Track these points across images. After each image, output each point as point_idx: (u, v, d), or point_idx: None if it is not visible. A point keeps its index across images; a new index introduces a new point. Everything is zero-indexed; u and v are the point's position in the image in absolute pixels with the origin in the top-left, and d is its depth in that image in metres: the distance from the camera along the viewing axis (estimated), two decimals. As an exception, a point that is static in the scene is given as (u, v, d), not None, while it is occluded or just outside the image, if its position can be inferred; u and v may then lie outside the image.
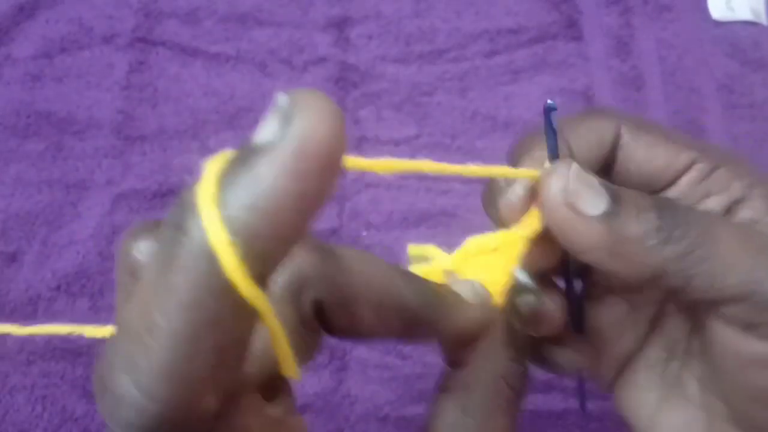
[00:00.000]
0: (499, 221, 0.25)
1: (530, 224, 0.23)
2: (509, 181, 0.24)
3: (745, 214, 0.23)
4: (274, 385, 0.18)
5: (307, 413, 0.42)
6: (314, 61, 0.51)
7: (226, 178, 0.12)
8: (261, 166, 0.12)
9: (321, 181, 0.12)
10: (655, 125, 0.25)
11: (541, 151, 0.23)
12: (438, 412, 0.21)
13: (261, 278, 0.12)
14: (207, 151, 0.51)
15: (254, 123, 0.49)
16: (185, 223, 0.12)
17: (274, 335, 0.15)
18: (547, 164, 0.23)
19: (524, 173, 0.23)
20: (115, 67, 0.50)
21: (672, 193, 0.24)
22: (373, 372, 0.43)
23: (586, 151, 0.24)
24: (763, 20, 0.53)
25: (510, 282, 0.23)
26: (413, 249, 0.25)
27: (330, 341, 0.44)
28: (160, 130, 0.49)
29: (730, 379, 0.23)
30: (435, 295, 0.20)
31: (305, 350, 0.18)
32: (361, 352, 0.43)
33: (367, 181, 0.48)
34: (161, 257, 0.13)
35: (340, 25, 0.52)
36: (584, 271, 0.26)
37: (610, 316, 0.27)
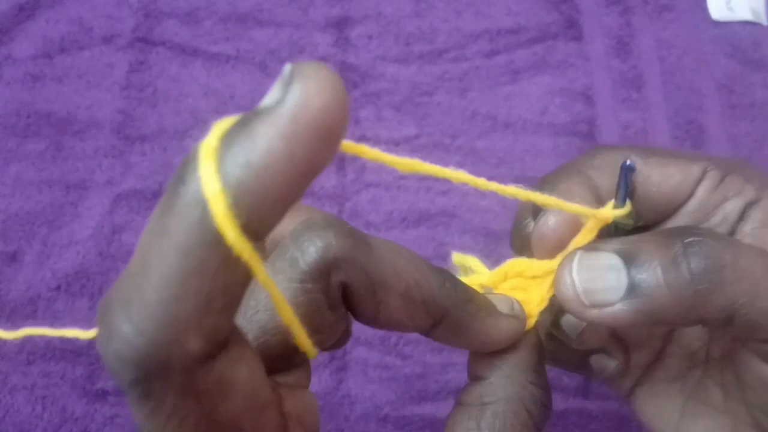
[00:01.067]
0: (524, 250, 0.25)
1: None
2: (535, 213, 0.25)
3: (757, 215, 0.24)
4: (290, 358, 0.18)
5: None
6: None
7: (227, 137, 0.13)
8: (258, 127, 0.13)
9: (315, 146, 0.13)
10: (660, 148, 0.26)
11: (566, 183, 0.24)
12: (452, 425, 0.21)
13: (252, 233, 0.13)
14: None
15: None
16: (186, 175, 0.13)
17: (273, 298, 0.16)
18: (609, 205, 0.23)
19: (579, 209, 0.23)
20: (115, 67, 0.50)
21: (692, 203, 0.25)
22: (373, 372, 0.43)
23: (605, 180, 0.24)
24: (762, 20, 0.53)
25: (548, 304, 0.23)
26: (457, 257, 0.25)
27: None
28: (160, 130, 0.49)
29: (754, 396, 0.23)
30: (467, 296, 0.20)
31: (329, 331, 0.19)
32: (360, 352, 0.43)
33: (367, 181, 0.48)
34: (162, 204, 0.13)
35: (340, 25, 0.52)
36: None
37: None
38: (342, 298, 0.19)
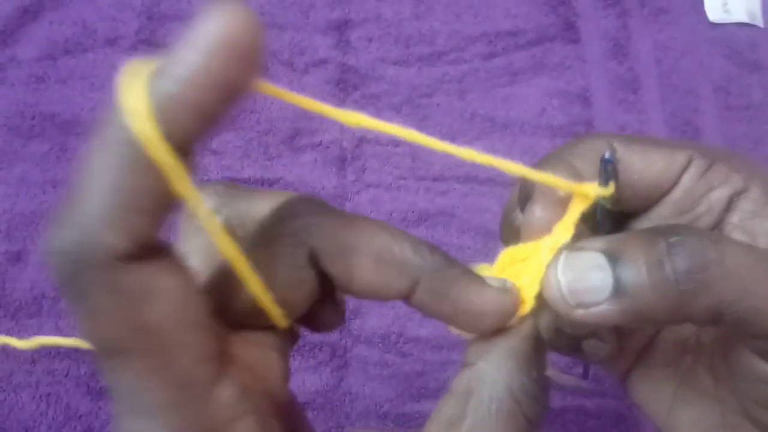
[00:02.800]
0: (513, 243, 0.25)
1: (559, 235, 0.23)
2: (523, 206, 0.25)
3: (745, 206, 0.24)
4: (258, 318, 0.19)
5: (307, 410, 0.42)
6: (315, 63, 0.51)
7: (151, 63, 0.15)
8: (177, 48, 0.14)
9: (229, 61, 0.14)
10: (644, 136, 0.26)
11: (549, 171, 0.24)
12: (437, 413, 0.20)
13: (175, 144, 0.14)
14: (209, 152, 0.52)
15: (256, 124, 0.50)
16: (116, 97, 0.15)
17: (207, 228, 0.17)
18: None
19: (555, 181, 0.23)
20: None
21: (677, 192, 0.24)
22: (374, 370, 0.43)
23: (588, 167, 0.24)
24: (759, 22, 0.53)
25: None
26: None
27: (330, 340, 0.45)
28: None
29: (745, 387, 0.23)
30: (447, 262, 0.20)
31: (296, 293, 0.19)
32: (361, 349, 0.44)
33: (367, 181, 0.48)
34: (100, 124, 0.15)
35: (340, 28, 0.52)
36: None
37: None
38: (316, 268, 0.19)
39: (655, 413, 0.27)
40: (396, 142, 0.49)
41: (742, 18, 0.53)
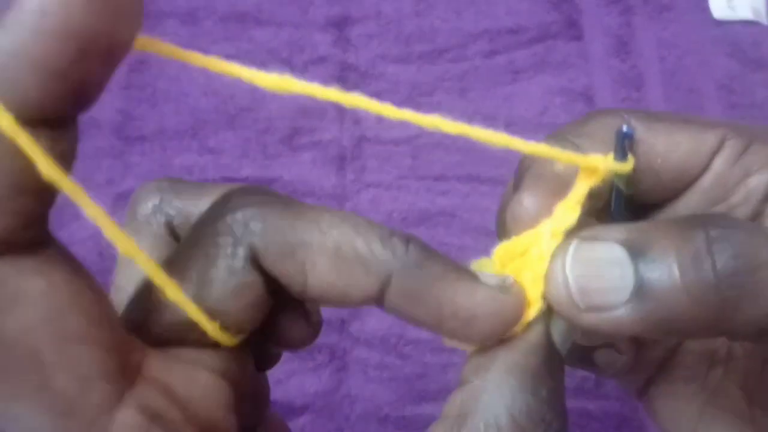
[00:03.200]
0: (505, 234, 0.21)
1: (562, 217, 0.19)
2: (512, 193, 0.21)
3: None
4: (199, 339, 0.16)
5: (307, 413, 0.42)
6: (314, 61, 0.51)
7: None
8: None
9: (90, 13, 0.12)
10: (667, 113, 0.21)
11: (548, 168, 0.20)
12: None
13: (32, 114, 0.12)
14: (207, 151, 0.51)
15: (255, 123, 0.49)
16: None
17: (100, 225, 0.15)
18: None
19: (565, 156, 0.19)
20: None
21: (708, 179, 0.21)
22: (373, 372, 0.43)
23: (600, 148, 0.20)
24: (763, 20, 0.53)
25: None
26: (475, 265, 0.21)
27: (329, 342, 0.45)
28: (159, 130, 0.49)
29: None
30: (427, 256, 0.16)
31: (241, 310, 0.16)
32: (361, 352, 0.43)
33: (367, 181, 0.48)
34: None
35: (340, 25, 0.52)
36: None
37: None
38: (262, 270, 0.16)
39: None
40: (396, 141, 0.48)
41: (747, 15, 0.52)
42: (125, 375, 0.14)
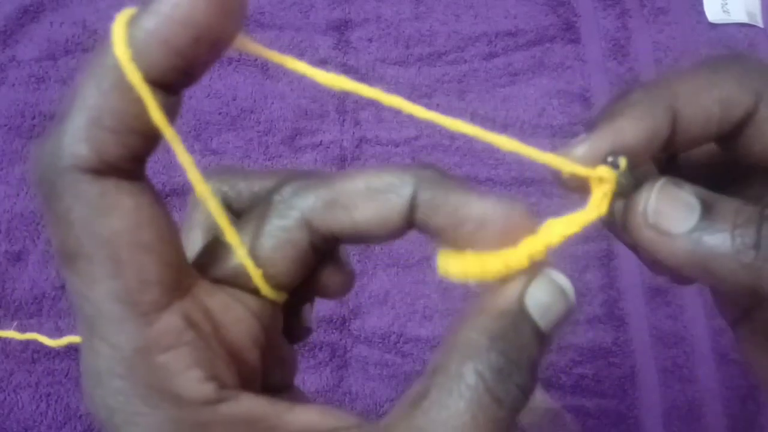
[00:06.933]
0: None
1: (547, 234, 0.19)
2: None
3: None
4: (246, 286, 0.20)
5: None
6: (315, 64, 0.51)
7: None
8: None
9: (207, 6, 0.15)
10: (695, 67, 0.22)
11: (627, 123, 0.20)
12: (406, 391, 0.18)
13: (157, 77, 0.16)
14: (209, 151, 0.52)
15: (256, 124, 0.50)
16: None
17: (187, 171, 0.19)
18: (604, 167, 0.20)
19: (574, 168, 0.20)
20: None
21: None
22: (374, 370, 0.43)
23: (698, 129, 0.20)
24: (758, 22, 0.53)
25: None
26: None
27: (330, 340, 0.45)
28: (163, 131, 0.49)
29: None
30: (443, 174, 0.19)
31: (287, 262, 0.19)
32: (361, 350, 0.44)
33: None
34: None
35: (340, 28, 0.53)
36: None
37: None
38: (309, 232, 0.19)
39: (763, 378, 0.24)
40: (396, 142, 0.49)
41: (742, 18, 0.53)
42: (176, 288, 0.18)
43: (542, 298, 0.19)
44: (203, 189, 0.19)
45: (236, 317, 0.19)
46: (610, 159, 0.20)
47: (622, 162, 0.20)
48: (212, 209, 0.19)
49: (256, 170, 0.22)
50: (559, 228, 0.19)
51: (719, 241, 0.19)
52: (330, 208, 0.19)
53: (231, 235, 0.19)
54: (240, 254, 0.19)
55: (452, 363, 0.17)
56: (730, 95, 0.20)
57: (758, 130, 0.20)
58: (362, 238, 0.19)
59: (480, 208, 0.18)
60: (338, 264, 0.21)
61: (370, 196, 0.19)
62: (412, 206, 0.19)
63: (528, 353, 0.18)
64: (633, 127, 0.20)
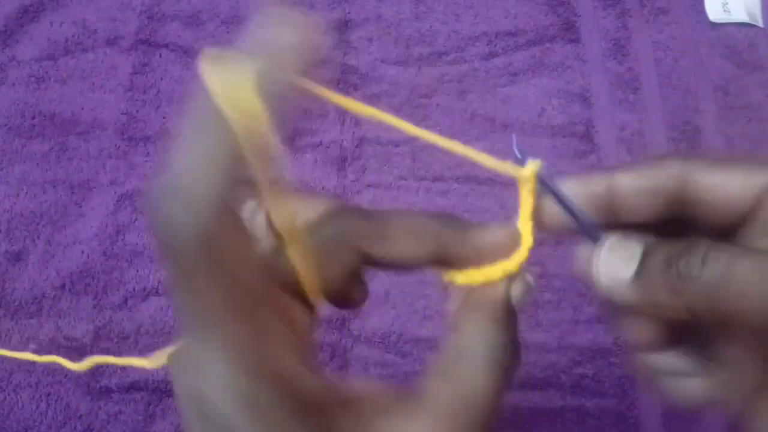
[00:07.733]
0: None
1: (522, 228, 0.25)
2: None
3: None
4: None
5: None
6: (315, 63, 0.51)
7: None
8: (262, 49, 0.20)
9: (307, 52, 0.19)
10: (717, 155, 0.25)
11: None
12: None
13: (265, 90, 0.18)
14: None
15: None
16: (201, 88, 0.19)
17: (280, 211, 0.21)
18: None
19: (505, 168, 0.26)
20: (118, 69, 0.51)
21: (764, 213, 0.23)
22: (374, 370, 0.43)
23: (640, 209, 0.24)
24: (759, 22, 0.53)
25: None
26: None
27: (330, 340, 0.45)
28: (163, 131, 0.49)
29: None
30: (462, 223, 0.24)
31: (335, 275, 0.24)
32: (361, 349, 0.44)
33: (367, 181, 0.48)
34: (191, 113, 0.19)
35: (340, 28, 0.53)
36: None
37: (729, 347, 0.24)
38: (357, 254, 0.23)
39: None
40: (396, 142, 0.49)
41: (743, 18, 0.53)
42: (265, 294, 0.21)
43: (518, 291, 0.25)
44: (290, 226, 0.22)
45: (301, 318, 0.23)
46: (518, 155, 0.26)
47: (535, 162, 0.25)
48: (291, 233, 0.22)
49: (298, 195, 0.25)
50: (525, 235, 0.25)
51: (657, 277, 0.22)
52: (380, 238, 0.23)
53: (299, 254, 0.22)
54: (302, 268, 0.22)
55: (465, 341, 0.23)
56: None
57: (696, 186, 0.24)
58: (394, 265, 0.24)
59: (490, 236, 0.24)
60: (360, 280, 0.25)
61: (408, 236, 0.23)
62: (441, 249, 0.23)
63: (513, 325, 0.24)
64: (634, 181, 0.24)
